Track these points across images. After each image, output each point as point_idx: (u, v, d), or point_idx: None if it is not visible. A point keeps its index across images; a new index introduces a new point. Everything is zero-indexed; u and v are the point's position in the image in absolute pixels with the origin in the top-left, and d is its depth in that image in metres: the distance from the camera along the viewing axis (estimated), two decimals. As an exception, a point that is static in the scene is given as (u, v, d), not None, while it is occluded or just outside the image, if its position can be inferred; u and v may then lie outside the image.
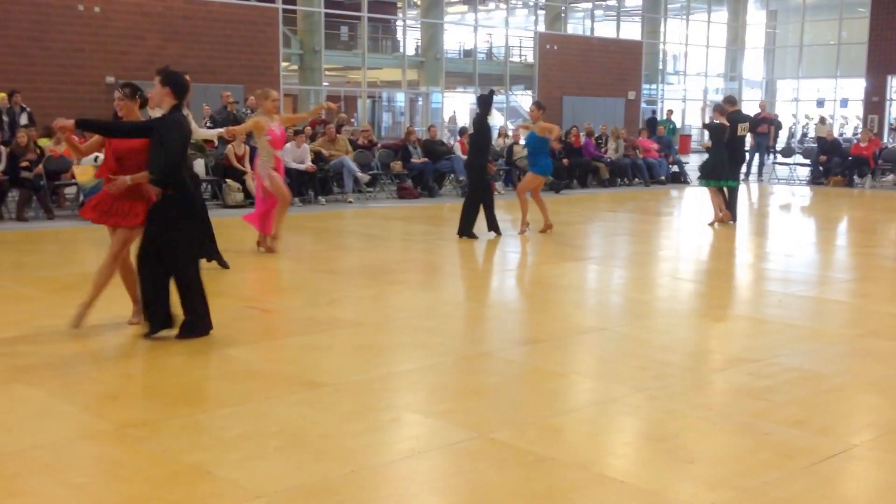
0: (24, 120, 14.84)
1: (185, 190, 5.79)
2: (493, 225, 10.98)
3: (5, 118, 14.83)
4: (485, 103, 10.95)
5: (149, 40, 20.20)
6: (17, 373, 5.12)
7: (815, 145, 21.94)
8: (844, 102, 34.53)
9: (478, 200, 10.83)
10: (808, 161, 20.90)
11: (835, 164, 19.41)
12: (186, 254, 5.83)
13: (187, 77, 5.89)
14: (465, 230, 10.72)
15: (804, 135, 33.47)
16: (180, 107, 5.78)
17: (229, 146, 13.69)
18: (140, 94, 6.19)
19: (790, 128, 33.57)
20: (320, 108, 10.98)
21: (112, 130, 5.97)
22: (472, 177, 11.13)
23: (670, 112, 27.01)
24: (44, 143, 12.58)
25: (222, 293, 7.63)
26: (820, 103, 34.68)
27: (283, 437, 4.20)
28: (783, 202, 16.93)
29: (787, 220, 14.65)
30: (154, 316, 5.80)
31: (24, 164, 11.85)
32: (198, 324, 5.84)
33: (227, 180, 13.55)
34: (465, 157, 15.53)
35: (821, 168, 19.74)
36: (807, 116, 34.94)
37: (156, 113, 6.32)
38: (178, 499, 3.55)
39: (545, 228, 11.36)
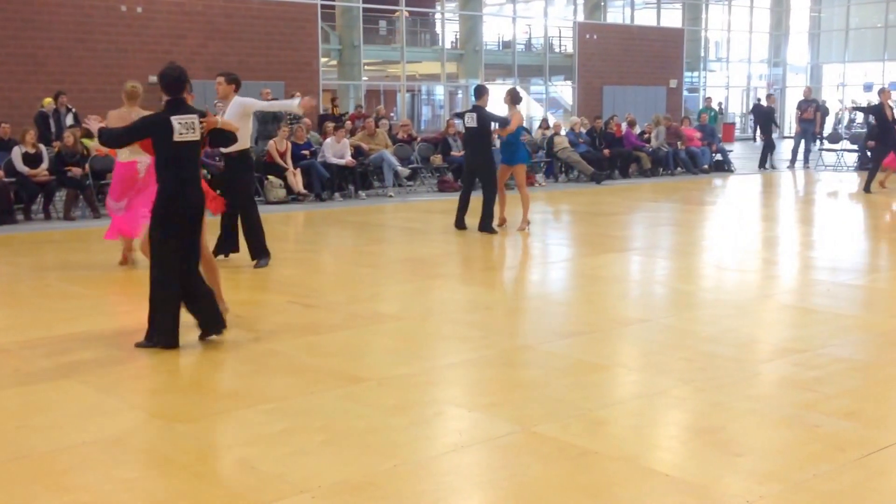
0: (69, 120, 15.10)
1: (165, 191, 5.60)
2: (462, 222, 10.65)
3: (52, 120, 15.11)
4: (484, 95, 10.56)
5: (190, 39, 20.42)
6: (67, 370, 5.22)
7: (864, 130, 21.48)
8: (894, 86, 33.76)
9: (490, 191, 10.52)
10: (855, 147, 20.48)
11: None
12: (155, 255, 5.64)
13: (176, 69, 5.77)
14: (486, 226, 10.49)
15: (851, 120, 32.82)
16: (175, 102, 5.64)
17: (271, 142, 13.80)
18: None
19: (837, 113, 32.90)
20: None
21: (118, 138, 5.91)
22: (487, 172, 10.56)
23: (709, 100, 26.63)
24: (88, 143, 12.79)
25: (265, 288, 7.70)
26: (867, 87, 33.95)
27: (327, 432, 4.22)
28: (830, 189, 16.61)
29: (834, 207, 14.37)
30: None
31: (76, 170, 11.98)
32: (150, 332, 5.63)
33: (269, 177, 13.66)
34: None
35: (869, 154, 19.31)
36: (853, 101, 34.24)
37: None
38: (224, 493, 3.59)
39: (501, 222, 10.86)
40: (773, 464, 3.83)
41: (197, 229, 5.73)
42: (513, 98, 10.83)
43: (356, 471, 3.77)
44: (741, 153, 24.55)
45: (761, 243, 10.37)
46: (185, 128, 5.57)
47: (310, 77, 22.28)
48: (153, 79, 6.54)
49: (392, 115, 23.47)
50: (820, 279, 8.05)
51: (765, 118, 20.56)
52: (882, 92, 15.67)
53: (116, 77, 19.60)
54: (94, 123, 5.82)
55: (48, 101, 15.42)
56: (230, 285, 7.71)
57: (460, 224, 10.68)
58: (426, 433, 4.29)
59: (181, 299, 5.62)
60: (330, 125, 15.64)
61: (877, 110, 15.52)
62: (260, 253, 8.36)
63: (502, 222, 10.91)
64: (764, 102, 22.30)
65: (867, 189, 14.88)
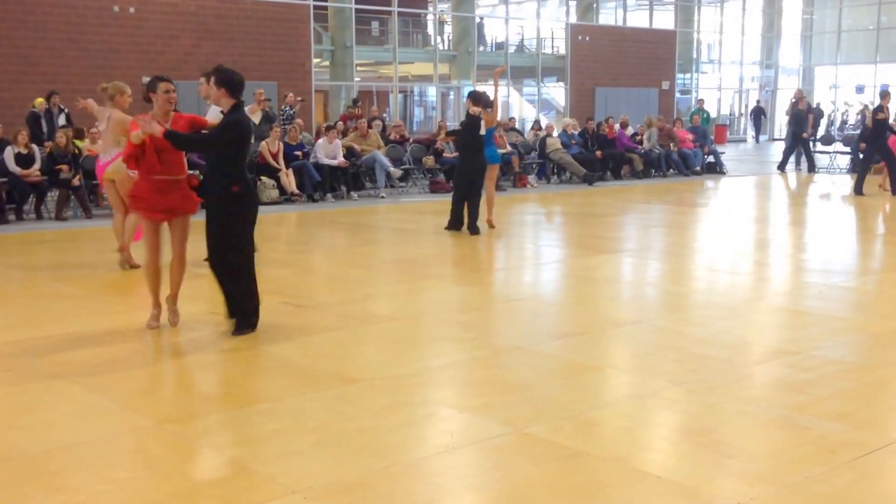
0: (62, 121, 15.06)
1: (248, 187, 5.89)
2: (466, 223, 10.73)
3: (43, 120, 15.06)
4: (480, 101, 10.67)
5: (183, 39, 20.39)
6: (59, 370, 5.20)
7: (857, 133, 21.55)
8: (885, 88, 33.93)
9: (478, 195, 10.65)
10: (847, 149, 20.56)
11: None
12: (236, 248, 5.85)
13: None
14: (472, 226, 10.61)
15: (844, 122, 32.95)
16: (240, 104, 5.87)
17: (263, 143, 13.78)
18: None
19: (829, 115, 33.01)
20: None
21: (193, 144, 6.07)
22: (483, 176, 10.72)
23: (701, 101, 26.68)
24: (80, 143, 12.75)
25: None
26: (859, 90, 34.09)
27: (319, 433, 4.22)
28: (822, 191, 16.67)
29: (826, 209, 14.42)
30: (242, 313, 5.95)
31: (64, 167, 11.97)
32: (243, 321, 5.92)
33: (262, 177, 13.64)
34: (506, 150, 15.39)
35: (861, 156, 19.36)
36: (846, 104, 34.37)
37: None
38: (216, 494, 3.58)
39: (488, 224, 10.96)
40: (764, 466, 3.84)
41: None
42: (484, 103, 10.95)
43: (348, 471, 3.77)
44: (733, 155, 24.62)
45: (753, 245, 10.41)
46: None
47: (302, 77, 22.27)
48: (146, 79, 6.52)
49: (385, 115, 23.47)
50: (812, 281, 8.08)
51: (799, 120, 20.24)
52: (885, 95, 15.63)
53: (109, 77, 19.43)
54: (155, 126, 5.67)
55: (39, 101, 15.38)
56: (222, 286, 7.70)
57: (459, 225, 10.72)
58: (418, 434, 4.29)
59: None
60: (322, 125, 15.65)
61: (876, 112, 15.51)
62: None
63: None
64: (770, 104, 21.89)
65: (858, 191, 14.95)
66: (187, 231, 6.08)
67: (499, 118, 11.56)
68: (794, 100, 20.68)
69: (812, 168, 20.01)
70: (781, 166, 20.38)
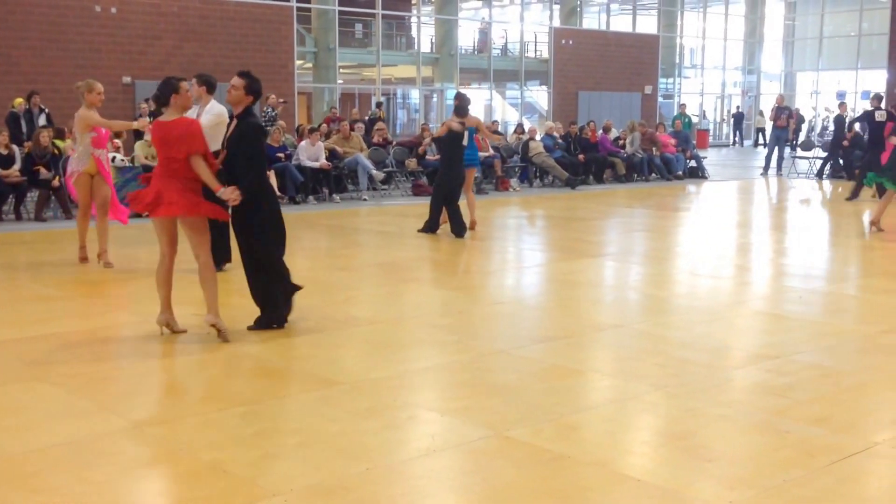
0: (42, 120, 14.94)
1: (265, 181, 6.04)
2: (450, 228, 10.79)
3: (23, 121, 14.95)
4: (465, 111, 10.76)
5: (165, 40, 20.28)
6: (38, 371, 5.16)
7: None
8: (866, 95, 34.22)
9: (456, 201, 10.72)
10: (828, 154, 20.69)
11: (856, 157, 19.18)
12: (264, 242, 5.98)
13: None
14: (431, 227, 10.75)
15: (824, 128, 33.22)
16: (252, 106, 6.04)
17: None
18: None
19: (810, 121, 33.26)
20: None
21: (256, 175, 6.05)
22: (460, 185, 10.80)
23: (683, 106, 26.84)
24: (60, 143, 12.66)
25: (238, 292, 7.64)
26: (840, 95, 34.37)
27: (299, 435, 4.20)
28: (803, 196, 16.79)
29: (806, 214, 14.53)
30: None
31: (45, 171, 11.88)
32: (271, 315, 6.05)
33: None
34: (485, 154, 15.42)
35: (841, 162, 19.52)
36: (827, 109, 34.65)
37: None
38: (195, 497, 3.56)
39: (471, 226, 10.95)
40: (743, 469, 3.86)
41: None
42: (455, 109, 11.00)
43: (328, 474, 3.75)
44: (715, 159, 24.77)
45: (734, 250, 10.46)
46: None
47: (285, 79, 22.20)
48: (127, 80, 6.54)
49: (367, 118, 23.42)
50: (792, 286, 8.13)
51: (840, 126, 20.05)
52: None
53: (90, 77, 19.42)
54: (236, 193, 5.71)
55: (19, 101, 15.28)
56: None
57: (434, 229, 10.74)
58: (399, 437, 4.28)
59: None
60: (305, 127, 15.60)
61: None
62: (223, 258, 8.23)
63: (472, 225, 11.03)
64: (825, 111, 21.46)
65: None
66: (194, 234, 5.81)
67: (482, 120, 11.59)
68: (776, 105, 20.80)
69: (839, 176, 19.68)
70: (765, 170, 20.53)
